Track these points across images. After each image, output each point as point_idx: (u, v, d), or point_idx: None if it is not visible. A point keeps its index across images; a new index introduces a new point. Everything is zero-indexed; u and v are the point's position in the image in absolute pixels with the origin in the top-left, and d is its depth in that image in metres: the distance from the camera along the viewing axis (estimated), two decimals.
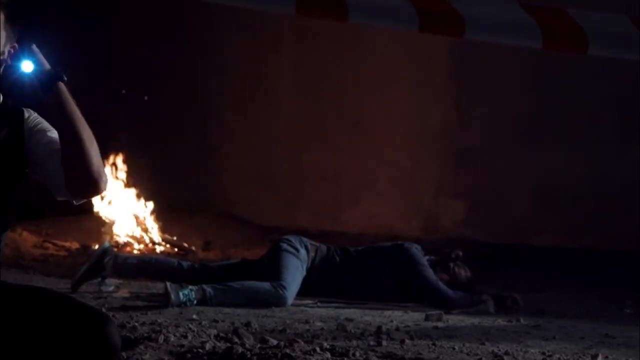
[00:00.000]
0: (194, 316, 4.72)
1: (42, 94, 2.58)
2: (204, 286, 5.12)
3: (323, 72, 9.51)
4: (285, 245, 5.50)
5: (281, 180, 9.74)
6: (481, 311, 5.37)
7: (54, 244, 7.73)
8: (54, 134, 2.64)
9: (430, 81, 9.14)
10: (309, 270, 5.51)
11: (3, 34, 2.61)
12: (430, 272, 5.56)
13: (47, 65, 2.59)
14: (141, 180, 8.72)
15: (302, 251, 5.53)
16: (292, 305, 5.26)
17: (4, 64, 2.60)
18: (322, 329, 4.56)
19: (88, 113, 2.62)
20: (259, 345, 3.98)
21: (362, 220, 9.22)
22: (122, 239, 8.07)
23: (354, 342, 4.21)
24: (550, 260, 7.88)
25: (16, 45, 2.60)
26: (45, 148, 2.63)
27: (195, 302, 5.02)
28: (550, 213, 8.58)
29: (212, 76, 9.95)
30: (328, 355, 3.88)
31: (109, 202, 8.33)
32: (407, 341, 4.26)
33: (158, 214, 8.48)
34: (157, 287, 5.40)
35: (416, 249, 5.66)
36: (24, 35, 2.60)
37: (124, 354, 3.69)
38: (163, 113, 9.91)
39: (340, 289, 5.55)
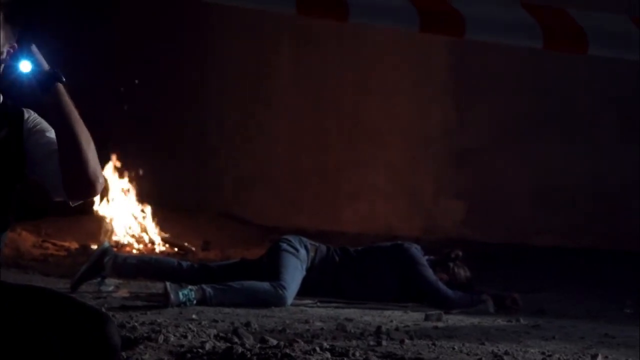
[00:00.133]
0: (194, 316, 4.71)
1: (41, 95, 2.58)
2: (204, 286, 5.12)
3: (323, 72, 9.51)
4: (284, 245, 5.50)
5: (281, 180, 9.74)
6: (481, 311, 5.37)
7: (54, 244, 7.73)
8: (53, 134, 2.64)
9: (430, 81, 9.13)
10: (308, 270, 5.51)
11: (2, 33, 2.61)
12: (429, 272, 5.56)
13: (46, 66, 2.60)
14: (141, 180, 8.72)
15: (302, 251, 5.52)
16: (292, 305, 5.26)
17: (3, 64, 2.60)
18: (322, 328, 4.56)
19: (88, 113, 2.62)
20: (258, 345, 3.98)
21: (361, 220, 9.22)
22: (121, 239, 8.07)
23: (354, 342, 4.21)
24: (550, 260, 7.87)
25: (15, 45, 2.60)
26: (44, 148, 2.63)
27: (194, 302, 5.02)
28: (550, 213, 8.57)
29: (212, 76, 9.94)
30: (328, 355, 3.88)
31: (108, 202, 8.33)
32: (406, 341, 4.26)
33: (158, 214, 8.48)
34: (157, 287, 5.40)
35: (416, 249, 5.66)
36: (24, 35, 2.60)
37: (123, 353, 3.69)
38: (163, 113, 9.91)
39: (339, 288, 5.55)
